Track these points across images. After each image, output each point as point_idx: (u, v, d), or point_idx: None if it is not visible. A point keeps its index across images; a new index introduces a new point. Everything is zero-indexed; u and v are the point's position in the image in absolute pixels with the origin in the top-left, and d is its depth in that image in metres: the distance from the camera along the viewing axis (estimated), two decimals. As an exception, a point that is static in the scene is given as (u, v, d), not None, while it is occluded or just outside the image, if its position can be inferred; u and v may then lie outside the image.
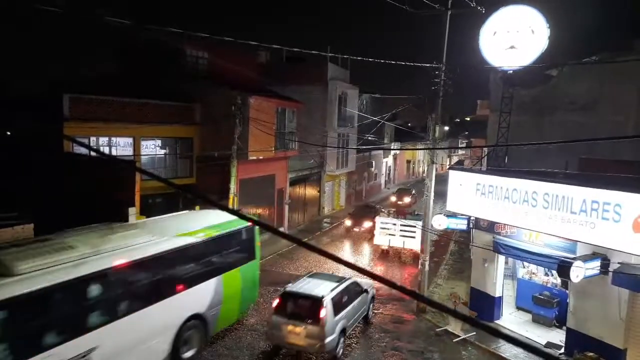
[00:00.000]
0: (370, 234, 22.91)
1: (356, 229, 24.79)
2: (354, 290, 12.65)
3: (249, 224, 12.69)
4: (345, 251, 22.44)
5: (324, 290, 11.39)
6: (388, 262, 20.67)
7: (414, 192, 36.29)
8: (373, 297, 14.16)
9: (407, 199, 34.53)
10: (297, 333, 10.84)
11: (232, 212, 12.03)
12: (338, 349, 11.34)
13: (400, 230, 20.13)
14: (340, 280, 12.45)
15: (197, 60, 22.48)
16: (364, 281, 13.64)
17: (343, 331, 11.53)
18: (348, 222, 25.50)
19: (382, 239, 20.67)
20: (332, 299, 11.18)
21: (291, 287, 11.78)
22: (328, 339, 10.80)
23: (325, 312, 10.82)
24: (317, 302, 10.92)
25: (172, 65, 21.46)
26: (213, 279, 11.74)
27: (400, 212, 23.40)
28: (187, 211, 14.41)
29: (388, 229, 20.52)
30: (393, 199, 35.22)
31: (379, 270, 19.34)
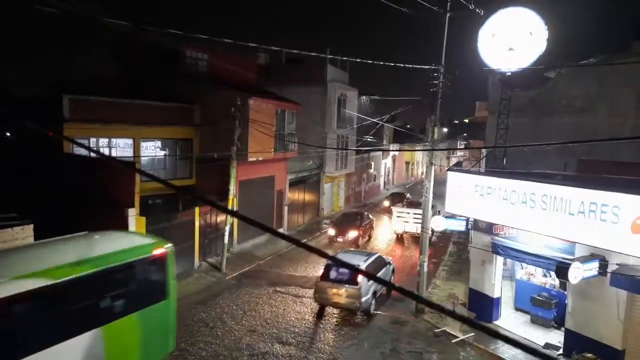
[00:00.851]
0: (355, 244, 22.06)
1: (340, 239, 22.27)
2: (380, 263, 15.79)
3: (159, 251, 10.36)
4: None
5: (359, 261, 14.69)
6: (403, 245, 24.12)
7: (409, 195, 34.65)
8: (393, 270, 17.26)
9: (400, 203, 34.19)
10: (339, 294, 13.80)
11: (230, 212, 11.97)
12: (371, 307, 14.32)
13: (414, 217, 23.04)
14: (369, 254, 15.96)
15: (196, 61, 22.54)
16: (386, 257, 17.37)
17: (374, 293, 14.48)
18: (331, 232, 23.12)
19: (398, 226, 24.46)
20: (368, 266, 14.57)
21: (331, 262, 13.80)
22: (364, 299, 13.73)
23: (361, 277, 13.72)
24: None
25: (172, 66, 21.52)
26: (80, 337, 8.19)
27: (412, 204, 25.78)
28: (83, 233, 10.68)
29: (403, 217, 24.10)
30: (386, 203, 33.58)
31: (397, 252, 22.64)
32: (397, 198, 33.26)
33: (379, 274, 14.92)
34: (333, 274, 14.22)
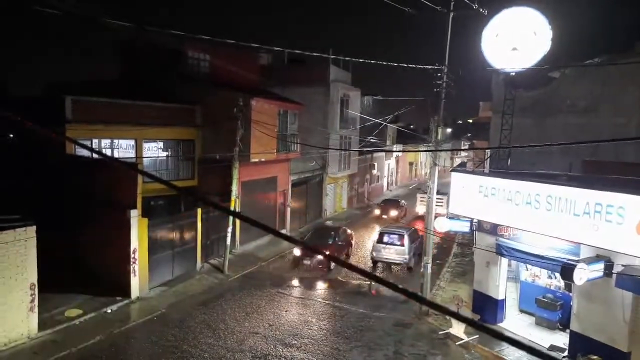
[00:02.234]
0: (324, 268, 18.69)
1: (306, 262, 18.71)
2: (416, 235, 20.36)
3: None
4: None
5: (403, 230, 19.92)
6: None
7: (402, 202, 31.99)
8: (421, 242, 19.05)
9: (393, 213, 30.08)
10: (390, 252, 19.01)
11: (231, 213, 11.92)
12: (412, 263, 19.22)
13: (437, 203, 23.82)
14: (409, 228, 20.88)
15: (199, 62, 22.52)
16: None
17: (414, 254, 19.30)
18: (296, 252, 19.26)
19: (420, 208, 27.92)
20: (409, 235, 19.34)
21: (384, 229, 20.32)
22: (407, 256, 18.91)
23: (407, 240, 19.01)
24: (401, 235, 19.27)
25: (174, 67, 21.51)
26: None
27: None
28: None
29: (424, 200, 25.14)
30: (377, 212, 30.89)
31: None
32: (390, 206, 30.88)
33: (415, 242, 19.83)
34: (386, 238, 19.18)
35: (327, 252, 18.35)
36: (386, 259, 19.08)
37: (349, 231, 22.47)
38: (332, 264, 18.98)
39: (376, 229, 26.18)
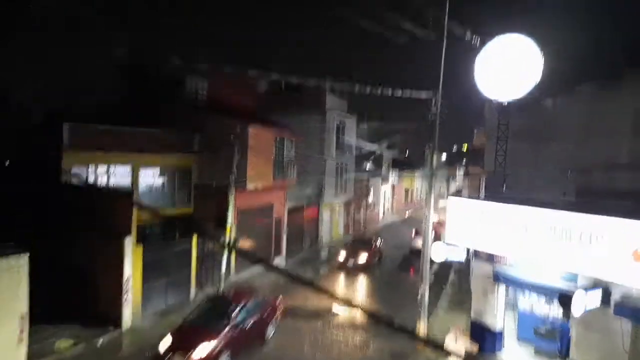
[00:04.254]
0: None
1: None
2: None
3: None
4: (343, 281, 22.12)
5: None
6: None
7: (376, 243, 25.87)
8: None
9: (362, 257, 23.43)
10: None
11: (226, 246, 11.84)
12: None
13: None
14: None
15: (196, 89, 22.78)
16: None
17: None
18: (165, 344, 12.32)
19: (437, 215, 23.85)
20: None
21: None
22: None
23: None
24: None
25: (172, 94, 21.74)
26: None
27: (437, 232, 20.80)
28: None
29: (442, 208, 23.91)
30: (342, 256, 23.81)
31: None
32: (358, 248, 24.21)
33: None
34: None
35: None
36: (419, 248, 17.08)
37: (271, 302, 15.31)
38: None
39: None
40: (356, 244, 25.60)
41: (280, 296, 16.09)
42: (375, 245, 25.83)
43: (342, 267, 23.72)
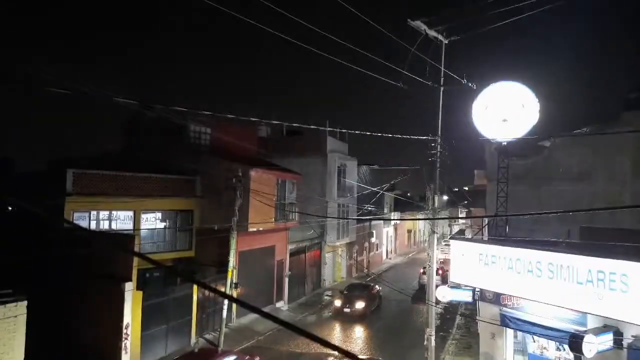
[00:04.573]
0: None
1: None
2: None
3: None
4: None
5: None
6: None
7: (375, 289, 24.59)
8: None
9: (359, 304, 22.13)
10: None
11: (223, 295, 11.61)
12: None
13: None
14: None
15: (199, 134, 23.18)
16: None
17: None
18: None
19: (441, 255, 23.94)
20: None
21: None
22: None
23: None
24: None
25: (175, 139, 22.10)
26: None
27: (443, 271, 22.67)
28: None
29: (445, 250, 23.71)
30: (337, 303, 22.76)
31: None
32: (356, 294, 23.08)
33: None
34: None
35: None
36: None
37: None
38: None
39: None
40: (353, 289, 24.29)
41: (258, 357, 15.44)
42: (375, 290, 24.59)
43: (339, 314, 22.42)
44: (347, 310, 22.19)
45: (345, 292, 23.76)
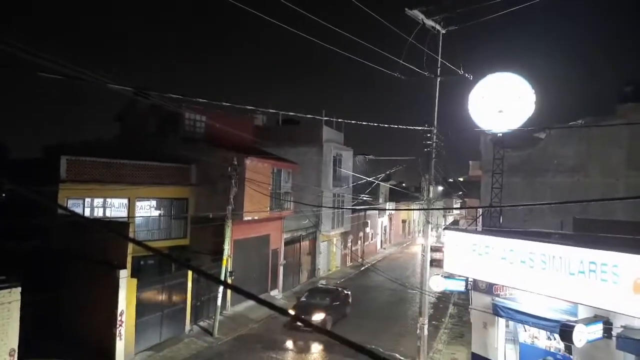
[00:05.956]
0: None
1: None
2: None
3: None
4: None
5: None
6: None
7: (343, 293, 20.27)
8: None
9: (318, 316, 17.60)
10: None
11: (219, 281, 11.68)
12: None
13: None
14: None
15: (194, 123, 23.03)
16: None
17: None
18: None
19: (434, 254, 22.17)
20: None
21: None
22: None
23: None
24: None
25: (170, 127, 21.95)
26: None
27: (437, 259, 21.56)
28: None
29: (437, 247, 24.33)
30: (291, 312, 17.43)
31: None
32: (313, 306, 18.41)
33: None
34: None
35: None
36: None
37: None
38: None
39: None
40: (313, 296, 19.61)
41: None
42: (342, 296, 19.89)
43: (291, 328, 17.70)
44: (300, 323, 17.43)
45: (302, 300, 19.51)
